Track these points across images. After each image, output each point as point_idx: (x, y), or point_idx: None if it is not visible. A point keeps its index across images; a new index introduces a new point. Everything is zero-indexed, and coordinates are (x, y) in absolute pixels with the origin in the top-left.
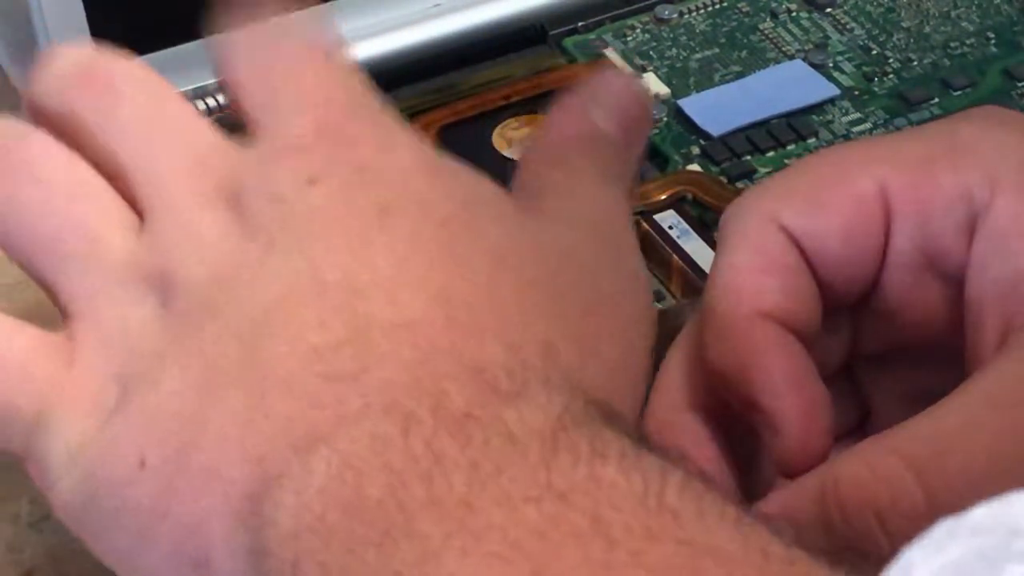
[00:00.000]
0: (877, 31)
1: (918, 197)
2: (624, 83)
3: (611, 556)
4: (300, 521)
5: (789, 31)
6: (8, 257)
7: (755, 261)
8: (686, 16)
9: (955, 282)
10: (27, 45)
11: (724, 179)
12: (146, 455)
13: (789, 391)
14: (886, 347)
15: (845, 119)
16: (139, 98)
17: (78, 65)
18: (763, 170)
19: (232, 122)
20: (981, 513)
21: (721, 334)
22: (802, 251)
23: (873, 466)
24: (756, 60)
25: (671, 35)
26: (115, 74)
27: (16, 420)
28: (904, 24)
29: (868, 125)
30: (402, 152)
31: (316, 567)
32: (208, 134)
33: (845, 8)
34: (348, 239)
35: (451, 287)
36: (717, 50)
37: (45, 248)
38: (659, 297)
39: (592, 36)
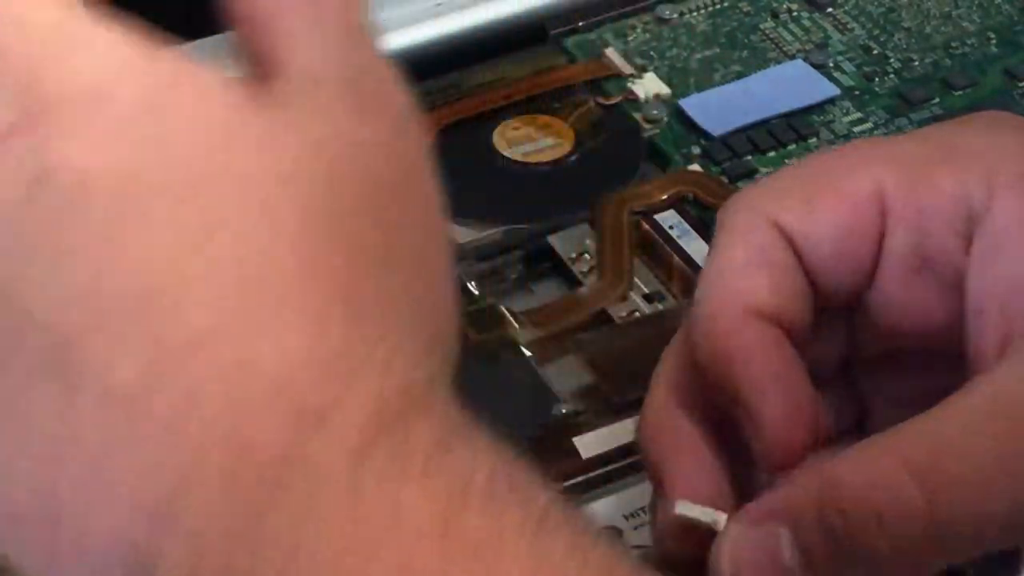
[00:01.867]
0: (878, 31)
1: (915, 199)
2: None
3: None
4: None
5: (790, 31)
6: None
7: (746, 257)
8: (686, 16)
9: (952, 285)
10: None
11: (724, 179)
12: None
13: (772, 388)
14: (884, 349)
15: (846, 119)
16: None
17: None
18: (764, 170)
19: None
20: None
21: (709, 329)
22: (796, 250)
23: (873, 468)
24: (756, 60)
25: (671, 35)
26: None
27: None
28: (905, 24)
29: (869, 125)
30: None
31: None
32: None
33: (846, 8)
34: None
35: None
36: (717, 50)
37: None
38: (659, 297)
39: (592, 36)
